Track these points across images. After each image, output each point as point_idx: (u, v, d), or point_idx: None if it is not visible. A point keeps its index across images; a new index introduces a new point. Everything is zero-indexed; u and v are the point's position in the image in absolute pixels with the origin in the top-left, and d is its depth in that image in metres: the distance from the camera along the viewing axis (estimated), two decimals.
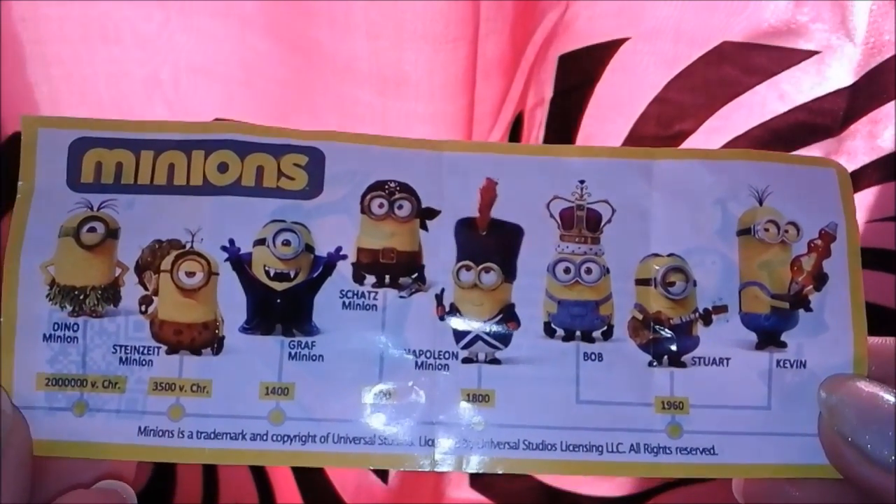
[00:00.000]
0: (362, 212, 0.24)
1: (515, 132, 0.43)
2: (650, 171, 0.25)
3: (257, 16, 0.37)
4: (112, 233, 0.24)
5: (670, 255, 0.25)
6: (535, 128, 0.44)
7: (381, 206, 0.24)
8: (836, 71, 0.41)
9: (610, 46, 0.42)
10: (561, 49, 0.42)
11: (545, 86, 0.43)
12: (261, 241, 0.24)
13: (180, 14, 0.37)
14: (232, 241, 0.24)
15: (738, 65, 0.42)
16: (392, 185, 0.24)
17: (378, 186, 0.24)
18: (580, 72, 0.43)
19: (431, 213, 0.25)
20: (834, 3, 0.40)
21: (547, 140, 0.45)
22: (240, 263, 0.24)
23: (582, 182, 0.25)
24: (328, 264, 0.24)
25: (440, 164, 0.25)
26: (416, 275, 0.24)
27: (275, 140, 0.24)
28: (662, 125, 0.45)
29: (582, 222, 0.25)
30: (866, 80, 0.41)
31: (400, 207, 0.24)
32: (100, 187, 0.24)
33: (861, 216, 0.44)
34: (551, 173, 0.25)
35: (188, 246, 0.24)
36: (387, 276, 0.24)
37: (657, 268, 0.25)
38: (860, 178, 0.43)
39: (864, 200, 0.44)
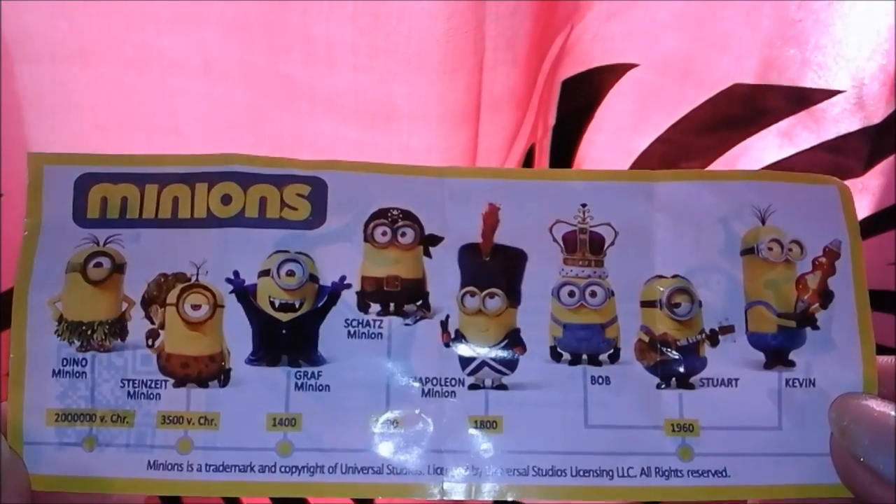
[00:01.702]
0: (365, 240, 0.24)
1: (528, 164, 0.42)
2: (651, 193, 0.25)
3: (190, 58, 0.36)
4: (118, 267, 0.24)
5: (675, 276, 0.25)
6: (545, 158, 0.44)
7: (384, 233, 0.24)
8: (862, 110, 0.40)
9: (614, 70, 0.42)
10: (564, 74, 0.42)
11: (550, 113, 0.43)
12: (265, 273, 0.24)
13: (88, 68, 0.35)
14: (237, 273, 0.24)
15: (750, 106, 0.42)
16: (395, 212, 0.25)
17: (381, 214, 0.25)
18: (582, 95, 0.43)
19: (435, 240, 0.25)
20: (855, 37, 0.39)
21: (551, 167, 0.44)
22: (245, 295, 0.24)
23: (584, 205, 0.25)
24: (332, 293, 0.24)
25: (442, 190, 0.25)
26: (420, 302, 0.24)
27: (277, 171, 0.25)
28: (666, 163, 0.44)
29: (585, 245, 0.25)
30: (893, 119, 0.40)
31: (403, 235, 0.24)
32: (105, 222, 0.24)
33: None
34: (553, 197, 0.25)
35: (193, 279, 0.24)
36: (392, 304, 0.24)
37: (662, 289, 0.24)
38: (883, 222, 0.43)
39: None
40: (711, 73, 0.41)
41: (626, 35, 0.41)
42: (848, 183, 0.41)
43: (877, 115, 0.40)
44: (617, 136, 0.44)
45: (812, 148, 0.42)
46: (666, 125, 0.43)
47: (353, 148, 0.36)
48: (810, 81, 0.40)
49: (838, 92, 0.40)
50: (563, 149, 0.44)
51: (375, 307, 0.24)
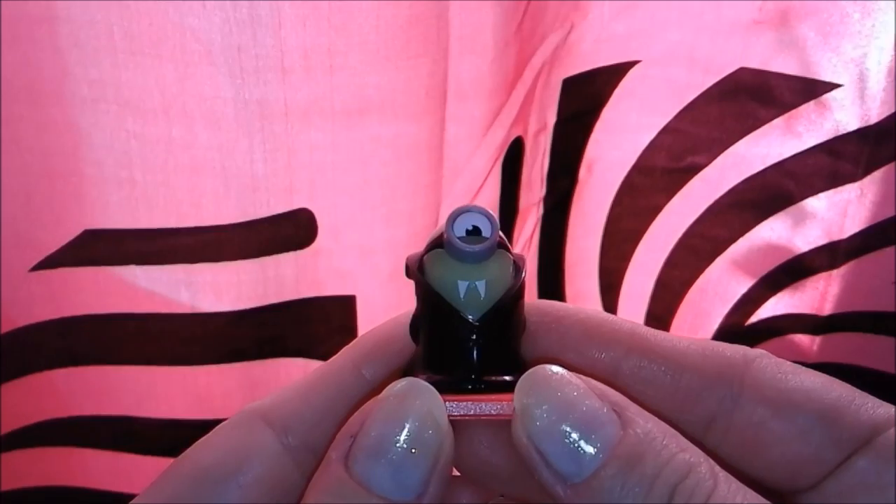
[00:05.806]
0: None
1: (513, 158, 0.41)
2: None
3: None
4: None
5: None
6: (540, 155, 0.42)
7: None
8: (860, 108, 0.39)
9: (618, 70, 0.41)
10: (565, 72, 0.41)
11: (548, 111, 0.42)
12: None
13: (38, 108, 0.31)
14: None
15: (755, 95, 0.40)
16: None
17: None
18: (586, 96, 0.42)
19: None
20: (858, 33, 0.37)
21: (551, 166, 0.43)
22: None
23: None
24: None
25: None
26: None
27: None
28: (673, 157, 0.43)
29: None
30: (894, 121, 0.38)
31: None
32: None
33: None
34: None
35: None
36: None
37: None
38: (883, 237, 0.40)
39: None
40: (716, 58, 0.40)
41: (630, 34, 0.40)
42: (846, 188, 0.39)
43: (877, 116, 0.38)
44: (624, 133, 0.43)
45: (811, 149, 0.40)
46: (673, 112, 0.42)
47: (328, 151, 0.35)
48: (812, 73, 0.38)
49: (838, 86, 0.38)
50: (568, 149, 0.43)
51: None
